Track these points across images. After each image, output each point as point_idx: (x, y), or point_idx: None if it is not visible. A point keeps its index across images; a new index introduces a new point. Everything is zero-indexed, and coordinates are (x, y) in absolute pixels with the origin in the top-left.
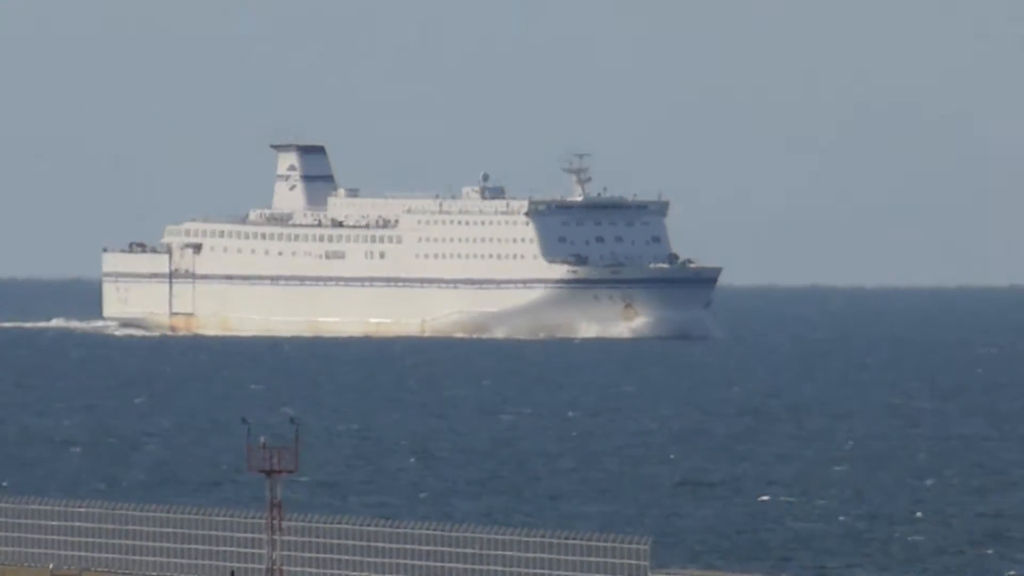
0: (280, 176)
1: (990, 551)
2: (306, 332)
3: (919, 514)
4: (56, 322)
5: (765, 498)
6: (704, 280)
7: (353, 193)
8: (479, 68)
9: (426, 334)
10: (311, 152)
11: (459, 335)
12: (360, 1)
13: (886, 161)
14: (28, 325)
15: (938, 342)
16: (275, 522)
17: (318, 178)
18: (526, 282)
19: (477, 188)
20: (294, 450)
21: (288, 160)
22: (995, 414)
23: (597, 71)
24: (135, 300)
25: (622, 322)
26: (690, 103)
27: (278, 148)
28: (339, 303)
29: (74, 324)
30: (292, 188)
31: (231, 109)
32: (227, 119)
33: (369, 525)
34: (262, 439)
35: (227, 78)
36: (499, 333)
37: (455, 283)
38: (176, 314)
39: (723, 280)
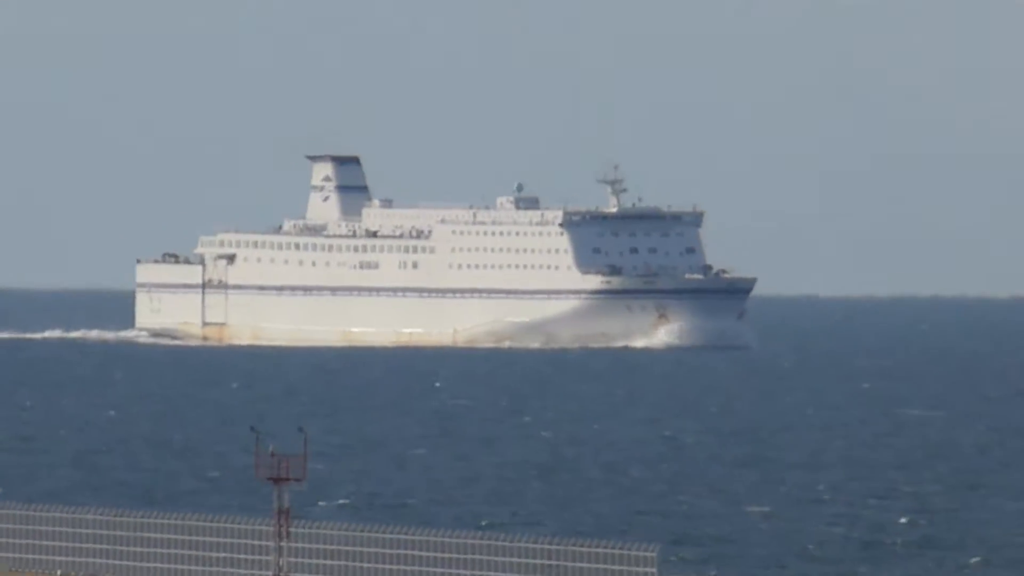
0: (314, 187)
1: None
2: (339, 342)
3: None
4: (88, 332)
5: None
6: (738, 290)
7: (387, 203)
8: (514, 78)
9: (458, 344)
10: (346, 163)
11: (490, 345)
12: (395, 12)
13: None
14: (59, 335)
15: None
16: (282, 529)
17: (352, 188)
18: (560, 293)
19: (511, 198)
20: (303, 458)
21: (323, 171)
22: None
23: (633, 81)
24: (168, 310)
25: (655, 332)
26: (725, 113)
27: (313, 159)
28: (372, 313)
29: (106, 335)
30: (326, 199)
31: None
32: (262, 130)
33: (376, 532)
34: (271, 447)
35: (262, 88)
36: (532, 343)
37: (488, 293)
38: (209, 324)
39: (757, 290)
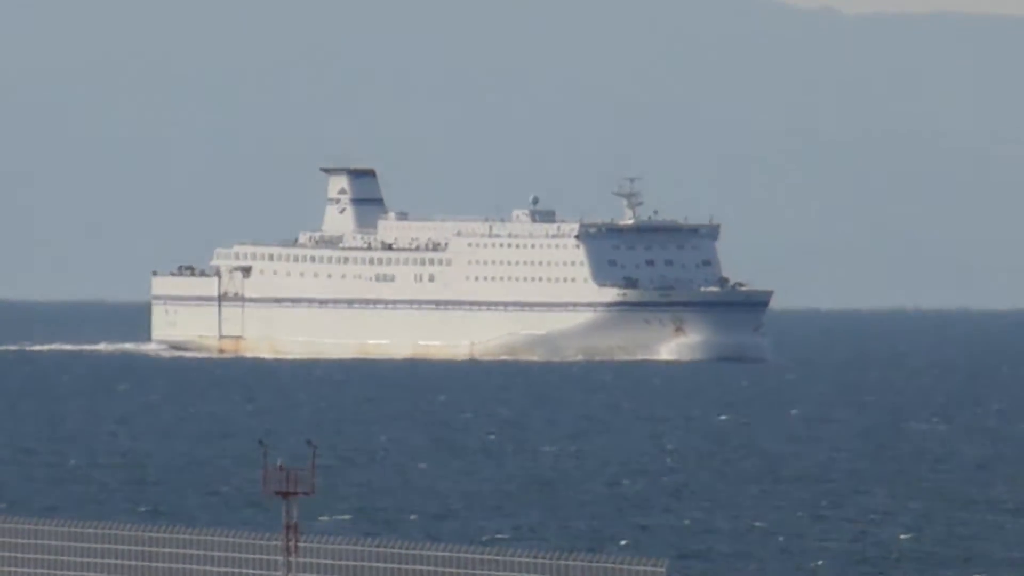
0: (330, 199)
1: None
2: (355, 354)
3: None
4: (105, 345)
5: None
6: (755, 303)
7: (403, 216)
8: (529, 91)
9: (475, 356)
10: (361, 175)
11: (506, 358)
12: (410, 26)
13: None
14: (74, 347)
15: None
16: (291, 544)
17: (368, 201)
18: (576, 305)
19: (527, 211)
20: (311, 472)
21: (339, 183)
22: None
23: (648, 95)
24: (183, 323)
25: (672, 345)
26: (741, 127)
27: (328, 171)
28: (388, 326)
29: (124, 346)
30: (342, 211)
31: (282, 133)
32: (278, 143)
33: (385, 547)
34: (279, 461)
35: (278, 101)
36: (548, 356)
37: (504, 306)
38: (225, 337)
39: (773, 304)
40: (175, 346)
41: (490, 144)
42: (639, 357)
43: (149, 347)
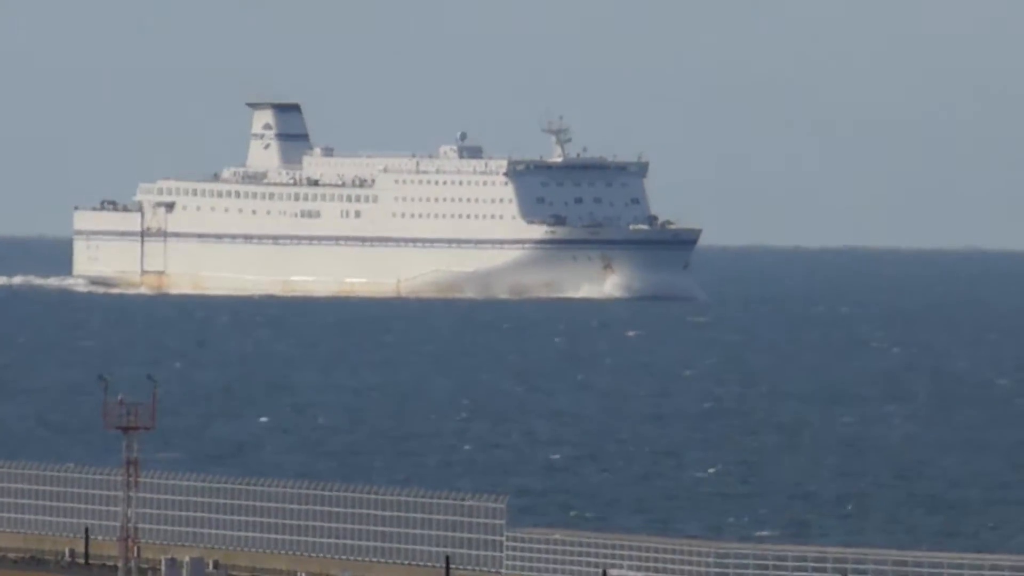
0: (255, 135)
1: None
2: (280, 291)
3: None
4: (22, 278)
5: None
6: (683, 242)
7: (328, 152)
8: (457, 26)
9: (401, 294)
10: (286, 110)
11: (434, 295)
12: None
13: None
14: None
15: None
16: (131, 479)
17: (293, 136)
18: (504, 242)
19: (455, 147)
20: (152, 407)
21: (263, 118)
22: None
23: (578, 31)
24: (106, 258)
25: (601, 282)
26: (669, 65)
27: (253, 106)
28: (314, 263)
29: (40, 281)
30: (267, 147)
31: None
32: (201, 77)
33: (225, 483)
34: (119, 396)
35: (201, 35)
36: (475, 293)
37: (432, 243)
38: (147, 272)
39: (702, 241)
40: (97, 281)
41: (417, 79)
42: (567, 294)
43: (69, 282)
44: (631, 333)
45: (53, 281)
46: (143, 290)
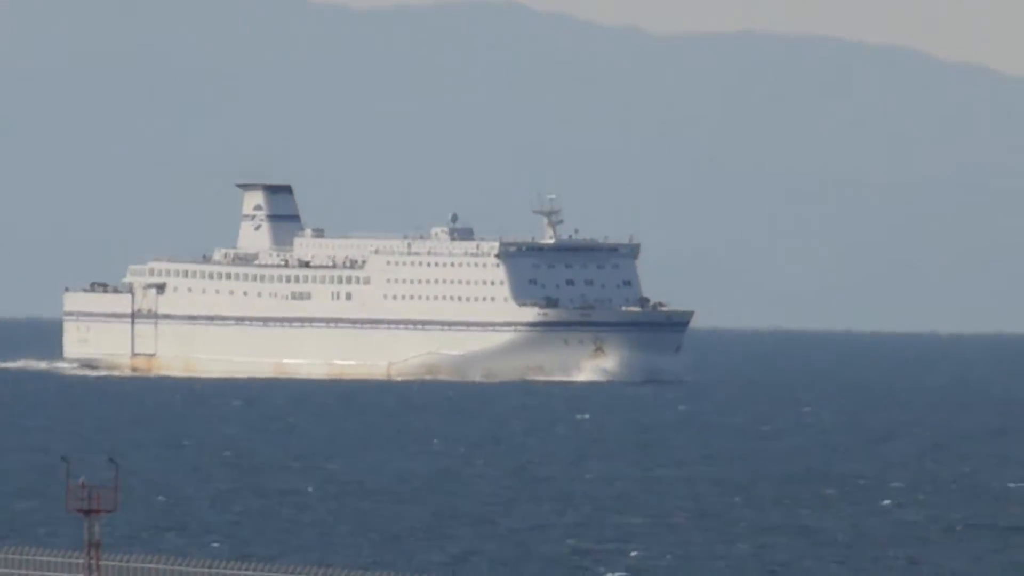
0: (246, 216)
1: None
2: (271, 374)
3: None
4: (18, 362)
5: None
6: (675, 324)
7: (319, 233)
8: (447, 109)
9: (392, 377)
10: (278, 191)
11: (426, 378)
12: (328, 42)
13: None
14: None
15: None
16: (93, 562)
17: (284, 218)
18: (496, 325)
19: (446, 229)
20: (114, 489)
21: (254, 199)
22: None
23: (569, 115)
24: (96, 340)
25: (592, 365)
26: (661, 149)
27: (244, 187)
28: (304, 345)
29: (33, 364)
30: (258, 228)
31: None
32: (193, 158)
33: (185, 565)
34: (81, 478)
35: (193, 117)
36: (469, 376)
37: (423, 325)
38: (138, 355)
39: (693, 323)
40: (87, 363)
41: (408, 161)
42: (557, 378)
43: (60, 365)
44: (582, 416)
45: (43, 364)
46: (131, 372)
